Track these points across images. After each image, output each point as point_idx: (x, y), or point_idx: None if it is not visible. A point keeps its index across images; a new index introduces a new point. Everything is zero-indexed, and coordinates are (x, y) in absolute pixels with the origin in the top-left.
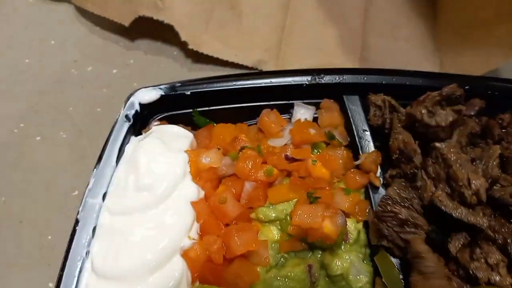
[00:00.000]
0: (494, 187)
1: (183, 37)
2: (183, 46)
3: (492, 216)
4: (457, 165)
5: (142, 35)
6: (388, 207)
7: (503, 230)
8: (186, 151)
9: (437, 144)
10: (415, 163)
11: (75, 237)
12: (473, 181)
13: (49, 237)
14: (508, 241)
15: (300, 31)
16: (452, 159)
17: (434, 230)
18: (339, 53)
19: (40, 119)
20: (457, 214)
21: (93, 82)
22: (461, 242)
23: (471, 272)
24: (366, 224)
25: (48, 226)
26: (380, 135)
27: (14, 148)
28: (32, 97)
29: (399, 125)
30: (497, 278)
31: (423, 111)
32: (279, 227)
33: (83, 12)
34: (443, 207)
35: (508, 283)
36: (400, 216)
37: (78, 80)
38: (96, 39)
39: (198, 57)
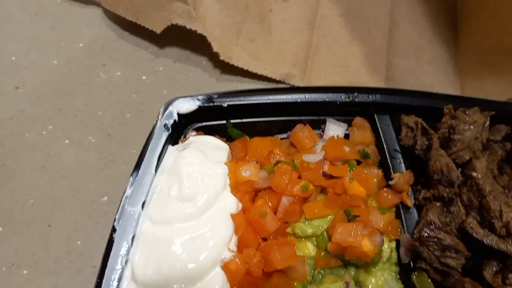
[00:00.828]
0: None
1: (215, 48)
2: (211, 56)
3: None
4: (491, 197)
5: (171, 43)
6: (432, 232)
7: None
8: (225, 163)
9: (474, 174)
10: (455, 189)
11: (114, 245)
12: (505, 213)
13: (78, 242)
14: None
15: (326, 48)
16: (487, 190)
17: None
18: (364, 71)
19: (68, 122)
20: (488, 241)
21: (122, 87)
22: (494, 269)
23: None
24: (396, 243)
25: (77, 231)
26: (410, 156)
27: (42, 150)
28: (60, 99)
29: (439, 150)
30: None
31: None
32: (315, 243)
33: (111, 16)
34: (474, 234)
35: None
36: (443, 242)
37: (107, 84)
38: (124, 44)
39: (227, 68)
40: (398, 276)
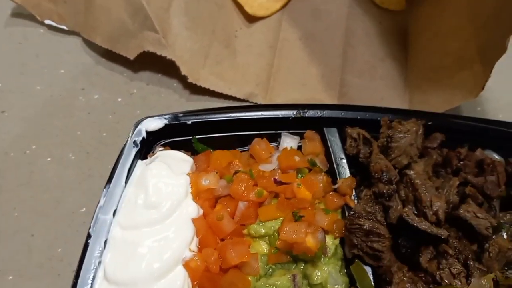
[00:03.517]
0: (460, 209)
1: (183, 72)
2: (181, 78)
3: (457, 238)
4: (422, 189)
5: (144, 68)
6: (355, 220)
7: (465, 249)
8: (188, 174)
9: (408, 172)
10: (393, 186)
11: (88, 248)
12: (434, 203)
13: (59, 250)
14: (469, 257)
15: (287, 69)
16: (419, 184)
17: (404, 246)
18: (320, 89)
19: (50, 141)
20: (422, 226)
21: (99, 108)
22: (429, 256)
23: (437, 278)
24: (342, 240)
25: (57, 239)
26: (355, 164)
27: (26, 167)
28: (43, 120)
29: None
30: (459, 284)
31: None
32: (268, 242)
33: (89, 44)
34: (410, 221)
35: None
36: (364, 227)
37: (85, 106)
38: (102, 69)
39: (195, 89)
40: (345, 270)
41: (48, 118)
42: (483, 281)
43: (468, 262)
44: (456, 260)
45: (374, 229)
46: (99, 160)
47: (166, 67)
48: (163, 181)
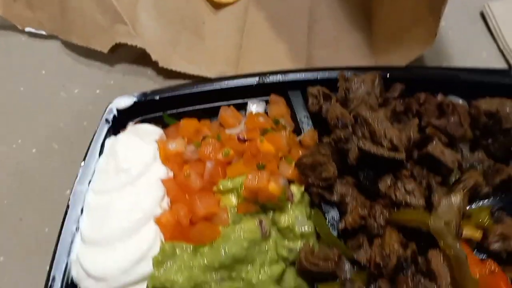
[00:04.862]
0: (428, 147)
1: (154, 58)
2: (155, 66)
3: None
4: (376, 123)
5: (120, 61)
6: (302, 160)
7: (428, 176)
8: (156, 141)
9: (361, 112)
10: (350, 130)
11: (67, 217)
12: (388, 132)
13: (46, 230)
14: (432, 181)
15: (255, 48)
16: (372, 118)
17: (364, 177)
18: (288, 64)
19: (35, 135)
20: (379, 151)
21: (80, 101)
22: (389, 182)
23: (393, 198)
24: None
25: (44, 222)
26: (319, 122)
27: (13, 159)
28: (28, 116)
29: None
30: (413, 200)
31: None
32: (236, 195)
33: (67, 44)
34: (366, 149)
35: (420, 203)
36: (308, 162)
37: (67, 101)
38: (81, 67)
39: (169, 75)
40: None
41: (33, 115)
42: (453, 198)
43: (431, 183)
44: (413, 180)
45: (318, 160)
46: (82, 146)
47: (140, 58)
48: (132, 148)
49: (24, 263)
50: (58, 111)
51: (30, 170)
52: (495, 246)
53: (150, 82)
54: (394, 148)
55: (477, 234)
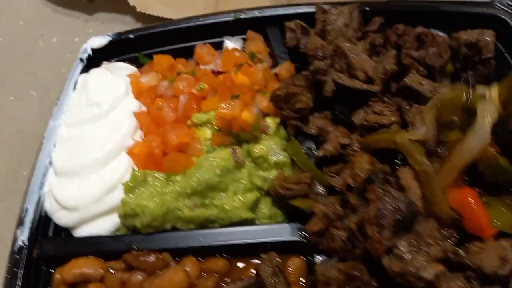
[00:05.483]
0: (405, 79)
1: (131, 2)
2: (134, 13)
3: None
4: (352, 56)
5: (98, 10)
6: (276, 92)
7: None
8: (128, 75)
9: (340, 44)
10: (329, 60)
11: (41, 151)
12: (364, 64)
13: (24, 173)
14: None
15: None
16: (349, 50)
17: (339, 111)
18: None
19: (13, 83)
20: (353, 84)
21: (58, 50)
22: (363, 113)
23: (364, 124)
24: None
25: (22, 165)
26: (297, 58)
27: None
28: (6, 66)
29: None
30: (385, 119)
31: None
32: (210, 128)
33: None
34: (340, 82)
35: (392, 120)
36: (281, 94)
37: (45, 49)
38: (59, 16)
39: (147, 21)
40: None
41: (11, 64)
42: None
43: (402, 106)
44: (381, 102)
45: (291, 91)
46: (59, 92)
47: (118, 6)
48: (103, 81)
49: (3, 203)
50: (36, 59)
51: (9, 118)
52: None
53: (128, 29)
54: (369, 80)
55: None
